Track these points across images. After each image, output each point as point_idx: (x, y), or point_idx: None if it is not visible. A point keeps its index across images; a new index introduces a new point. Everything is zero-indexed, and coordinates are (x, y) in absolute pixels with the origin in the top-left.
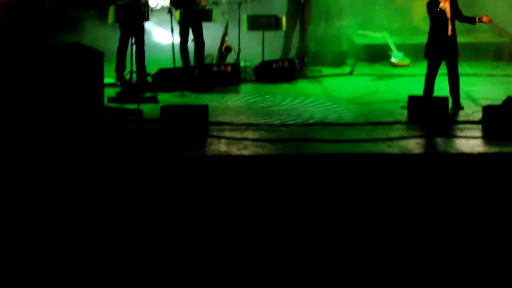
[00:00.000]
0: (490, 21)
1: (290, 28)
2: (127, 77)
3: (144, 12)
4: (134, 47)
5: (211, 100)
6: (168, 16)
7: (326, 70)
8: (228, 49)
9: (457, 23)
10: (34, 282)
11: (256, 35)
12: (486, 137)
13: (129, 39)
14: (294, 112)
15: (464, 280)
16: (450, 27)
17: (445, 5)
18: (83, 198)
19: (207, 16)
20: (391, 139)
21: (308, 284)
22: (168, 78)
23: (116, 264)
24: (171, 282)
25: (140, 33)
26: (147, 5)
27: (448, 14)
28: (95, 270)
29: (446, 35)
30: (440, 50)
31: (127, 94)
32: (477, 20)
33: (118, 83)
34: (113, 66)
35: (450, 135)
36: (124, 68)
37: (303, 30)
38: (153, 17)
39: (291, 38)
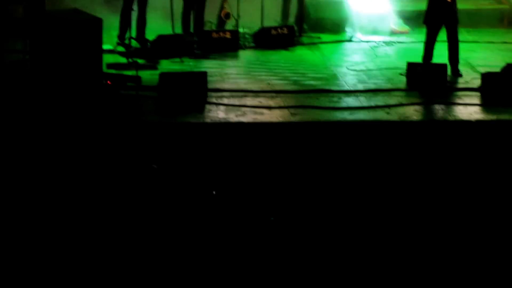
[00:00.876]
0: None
1: None
2: (127, 41)
3: None
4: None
5: (210, 66)
6: None
7: (325, 37)
8: (227, 16)
9: None
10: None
11: (255, 1)
12: (485, 105)
13: (132, 4)
14: (293, 79)
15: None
16: None
17: None
18: (81, 165)
19: None
20: (390, 106)
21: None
22: (168, 45)
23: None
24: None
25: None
26: None
27: None
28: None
29: (446, 1)
30: (440, 16)
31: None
32: None
33: (118, 48)
34: (112, 32)
35: (448, 102)
36: (125, 33)
37: None
38: None
39: (290, 4)
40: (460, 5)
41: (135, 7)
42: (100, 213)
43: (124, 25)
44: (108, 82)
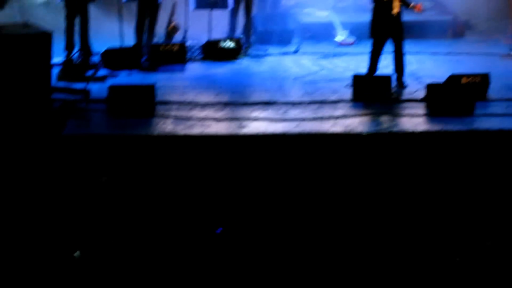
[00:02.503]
0: (419, 9)
1: (235, 6)
2: (75, 56)
3: None
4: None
5: (158, 79)
6: None
7: (272, 49)
8: (175, 29)
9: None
10: None
11: (203, 14)
12: (429, 115)
13: (75, 17)
14: (240, 91)
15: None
16: (395, 4)
17: None
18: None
19: None
20: (336, 118)
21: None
22: (116, 57)
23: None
24: None
25: (84, 12)
26: None
27: None
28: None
29: (391, 13)
30: (385, 28)
31: (74, 74)
32: (411, 5)
33: (67, 62)
34: (63, 44)
35: (394, 113)
36: (73, 48)
37: (247, 9)
38: None
39: (237, 16)
40: (404, 17)
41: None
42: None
43: (70, 38)
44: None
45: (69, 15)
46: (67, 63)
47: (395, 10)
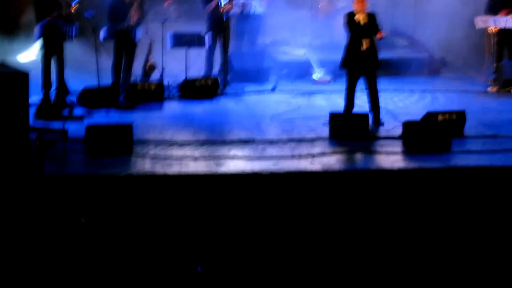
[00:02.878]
0: (381, 37)
1: (212, 45)
2: (52, 96)
3: (68, 31)
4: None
5: (136, 118)
6: None
7: (249, 87)
8: (152, 67)
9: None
10: None
11: (180, 52)
12: (406, 153)
13: (51, 57)
14: (218, 129)
15: None
16: (366, 41)
17: (360, 17)
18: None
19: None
20: (313, 156)
21: None
22: (93, 96)
23: None
24: None
25: (61, 51)
26: (73, 23)
27: (364, 27)
28: None
29: (361, 49)
30: (357, 63)
31: (51, 113)
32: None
33: (44, 102)
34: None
35: (371, 151)
36: (50, 87)
37: (224, 47)
38: None
39: (213, 55)
40: (381, 54)
41: (54, 59)
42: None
43: (47, 77)
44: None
45: (46, 54)
46: (44, 102)
47: (364, 46)
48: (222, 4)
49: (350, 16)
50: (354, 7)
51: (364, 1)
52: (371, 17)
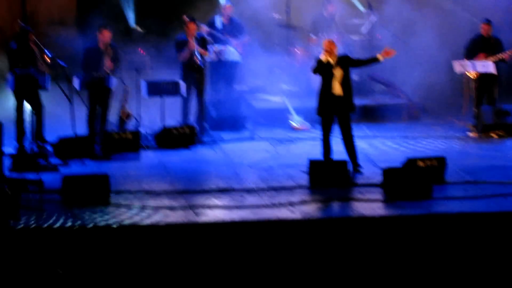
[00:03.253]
0: (390, 52)
1: (188, 93)
2: (28, 146)
3: (41, 81)
4: (32, 115)
5: (112, 168)
6: None
7: (226, 135)
8: (128, 116)
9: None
10: None
11: (156, 101)
12: (387, 200)
13: (25, 106)
14: (195, 178)
15: None
16: (337, 86)
17: (332, 62)
18: None
19: (108, 83)
20: (293, 204)
21: None
22: (69, 147)
23: None
24: None
25: (37, 102)
26: (45, 73)
27: (337, 72)
28: None
29: (333, 93)
30: (330, 108)
31: (27, 164)
32: (379, 58)
33: (19, 152)
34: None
35: (351, 199)
36: (23, 136)
37: (200, 95)
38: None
39: (190, 103)
40: (359, 100)
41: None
42: None
43: (20, 127)
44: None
45: (19, 105)
46: (19, 153)
47: (336, 90)
48: (196, 54)
49: (320, 62)
50: (323, 52)
51: (333, 45)
52: (344, 60)
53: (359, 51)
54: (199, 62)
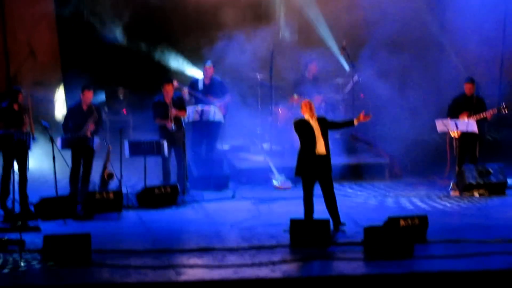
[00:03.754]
0: (366, 117)
1: (170, 152)
2: (9, 206)
3: (26, 142)
4: (16, 175)
5: (94, 227)
6: None
7: (208, 195)
8: (110, 176)
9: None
10: None
11: (138, 161)
12: (368, 259)
13: (11, 167)
14: (177, 237)
15: None
16: (319, 145)
17: (312, 122)
18: None
19: (90, 143)
20: (274, 263)
21: None
22: (51, 207)
23: None
24: None
25: (22, 162)
26: (29, 134)
27: (317, 132)
28: None
29: (314, 154)
30: (311, 168)
31: (9, 223)
32: (355, 122)
33: (1, 212)
34: None
35: (332, 257)
36: (7, 196)
37: (182, 154)
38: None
39: (169, 163)
40: (341, 160)
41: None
42: None
43: (5, 187)
44: None
45: (6, 165)
46: (2, 212)
47: (319, 150)
48: (172, 126)
49: (300, 122)
50: (303, 112)
51: (312, 106)
52: (322, 120)
53: (342, 110)
54: (172, 128)
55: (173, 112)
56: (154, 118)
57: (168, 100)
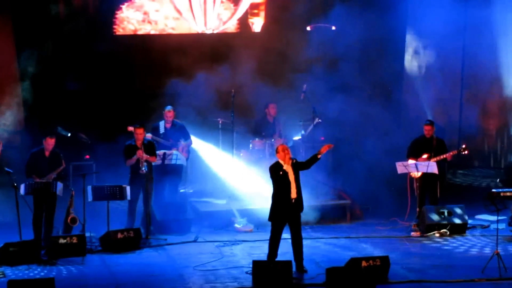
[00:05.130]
0: (330, 147)
1: (133, 197)
2: None
3: None
4: None
5: (58, 272)
6: None
7: (171, 238)
8: (74, 221)
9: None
10: None
11: (101, 205)
12: None
13: None
14: (141, 281)
15: None
16: (293, 190)
17: (288, 168)
18: None
19: (53, 188)
20: None
21: None
22: (15, 252)
23: None
24: None
25: None
26: None
27: (291, 177)
28: None
29: (290, 198)
30: (284, 213)
31: None
32: (318, 156)
33: None
34: None
35: None
36: None
37: (146, 199)
38: None
39: (135, 207)
40: (304, 202)
41: None
42: None
43: None
44: None
45: None
46: None
47: (293, 194)
48: (143, 165)
49: (276, 168)
50: (278, 157)
51: (288, 151)
52: (294, 164)
53: (302, 152)
54: (144, 170)
55: (144, 156)
56: (125, 160)
57: (139, 143)
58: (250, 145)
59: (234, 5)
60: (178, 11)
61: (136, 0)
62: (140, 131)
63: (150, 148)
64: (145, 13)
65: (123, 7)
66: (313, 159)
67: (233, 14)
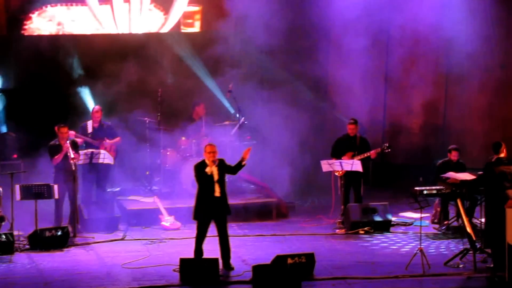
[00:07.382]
0: (249, 150)
1: (60, 196)
2: None
3: None
4: None
5: None
6: None
7: (99, 236)
8: (2, 218)
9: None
10: None
11: (29, 203)
12: None
13: None
14: (69, 279)
15: None
16: (217, 189)
17: (212, 169)
18: None
19: None
20: None
21: None
22: None
23: None
24: None
25: None
26: None
27: (216, 177)
28: None
29: (214, 197)
30: (208, 211)
31: None
32: (243, 163)
33: None
34: None
35: None
36: None
37: (73, 197)
38: None
39: (63, 205)
40: (230, 200)
41: None
42: None
43: None
44: None
45: None
46: None
47: (216, 193)
48: (71, 155)
49: (200, 167)
50: (205, 156)
51: (215, 152)
52: (221, 164)
53: (229, 152)
54: (74, 160)
55: (70, 151)
56: (51, 159)
57: (63, 142)
58: (177, 144)
59: (165, 14)
60: (99, 22)
61: (47, 9)
62: (64, 130)
63: (73, 147)
64: (59, 24)
65: (33, 16)
66: (239, 166)
67: (163, 24)
